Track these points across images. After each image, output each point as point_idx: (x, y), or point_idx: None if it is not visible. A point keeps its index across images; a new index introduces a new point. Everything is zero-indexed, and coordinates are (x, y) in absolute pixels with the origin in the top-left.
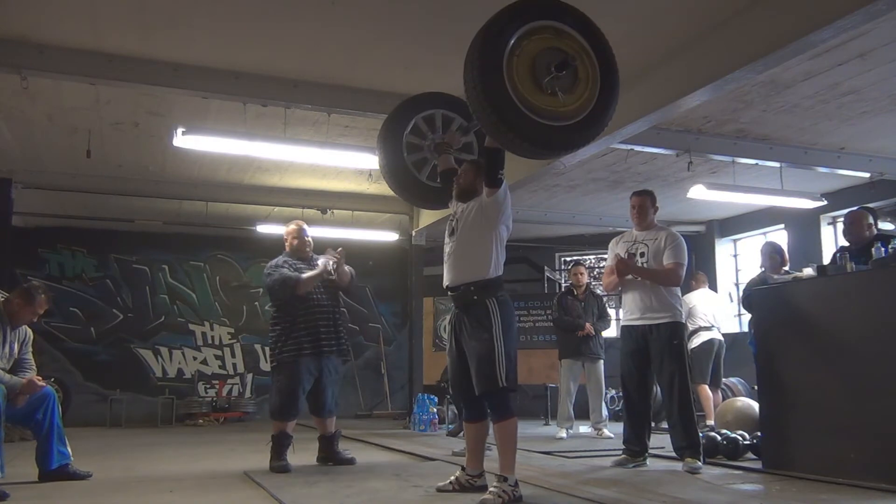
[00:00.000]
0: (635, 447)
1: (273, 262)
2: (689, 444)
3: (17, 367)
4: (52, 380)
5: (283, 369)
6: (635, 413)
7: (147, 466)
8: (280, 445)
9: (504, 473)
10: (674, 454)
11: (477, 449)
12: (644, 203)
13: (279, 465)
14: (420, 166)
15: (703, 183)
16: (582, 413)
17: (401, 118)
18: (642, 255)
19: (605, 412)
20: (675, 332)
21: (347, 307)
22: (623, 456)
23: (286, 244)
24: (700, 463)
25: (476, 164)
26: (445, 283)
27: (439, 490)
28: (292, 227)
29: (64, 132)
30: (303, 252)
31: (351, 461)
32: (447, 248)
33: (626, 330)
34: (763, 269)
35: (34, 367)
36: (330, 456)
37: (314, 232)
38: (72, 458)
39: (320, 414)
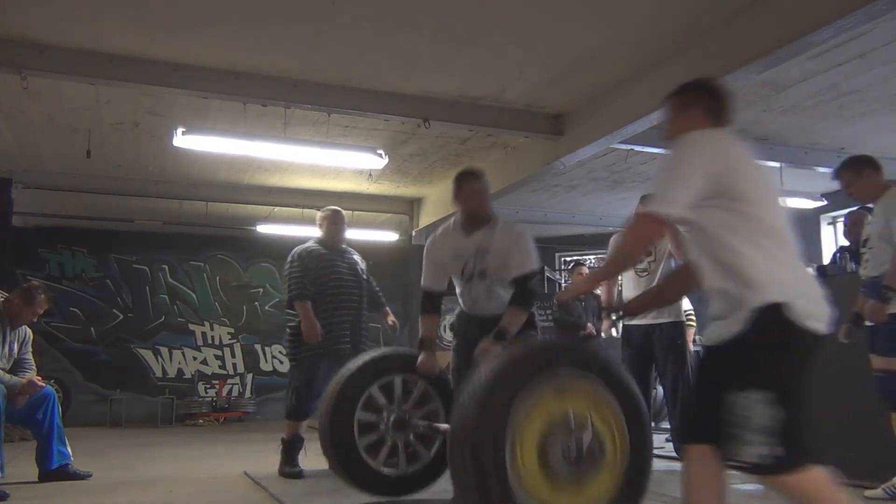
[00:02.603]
0: None
1: (300, 248)
2: None
3: (16, 368)
4: (53, 381)
5: (300, 367)
6: None
7: (147, 466)
8: (292, 449)
9: None
10: (674, 454)
11: None
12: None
13: (292, 470)
14: (376, 450)
15: None
16: None
17: (351, 391)
18: (648, 253)
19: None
20: (679, 331)
21: None
22: None
23: (320, 229)
24: None
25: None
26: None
27: None
28: (328, 211)
29: (64, 132)
30: (336, 240)
31: None
32: None
33: (628, 329)
34: None
35: (34, 368)
36: None
37: (315, 232)
38: (72, 458)
39: None
